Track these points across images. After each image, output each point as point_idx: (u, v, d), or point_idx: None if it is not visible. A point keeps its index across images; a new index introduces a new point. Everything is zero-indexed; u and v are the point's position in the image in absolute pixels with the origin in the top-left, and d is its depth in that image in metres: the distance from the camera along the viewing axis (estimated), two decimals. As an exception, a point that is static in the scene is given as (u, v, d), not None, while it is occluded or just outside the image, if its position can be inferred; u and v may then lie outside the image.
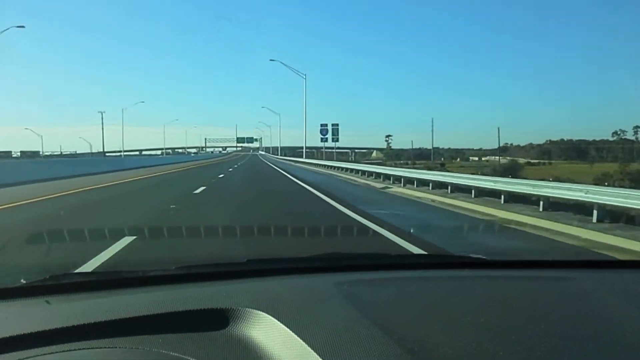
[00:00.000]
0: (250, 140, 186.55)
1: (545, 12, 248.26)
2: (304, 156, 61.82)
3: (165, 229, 5.92)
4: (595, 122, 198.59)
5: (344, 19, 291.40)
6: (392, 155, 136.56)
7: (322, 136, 58.35)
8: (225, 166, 42.84)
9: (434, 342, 1.09)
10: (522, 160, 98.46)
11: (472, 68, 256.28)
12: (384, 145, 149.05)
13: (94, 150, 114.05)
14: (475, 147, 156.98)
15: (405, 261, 2.08)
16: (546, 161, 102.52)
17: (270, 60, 68.87)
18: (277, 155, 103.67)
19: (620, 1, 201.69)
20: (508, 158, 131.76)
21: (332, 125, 60.45)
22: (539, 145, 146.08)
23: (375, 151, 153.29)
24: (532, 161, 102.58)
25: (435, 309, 1.35)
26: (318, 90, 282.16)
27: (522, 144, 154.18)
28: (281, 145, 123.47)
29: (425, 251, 5.80)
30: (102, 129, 70.46)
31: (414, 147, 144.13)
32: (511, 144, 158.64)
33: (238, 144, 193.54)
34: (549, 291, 1.56)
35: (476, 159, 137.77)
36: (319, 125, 59.26)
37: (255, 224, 7.32)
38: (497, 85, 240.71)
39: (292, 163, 57.86)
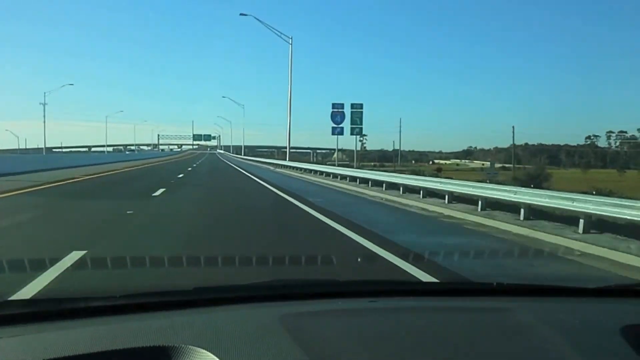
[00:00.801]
0: (208, 137, 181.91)
1: (511, 18, 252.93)
2: (288, 157, 45.50)
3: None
4: (564, 127, 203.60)
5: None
6: (352, 156, 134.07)
7: (336, 125, 36.24)
8: (149, 181, 23.62)
9: None
10: (485, 165, 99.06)
11: (435, 72, 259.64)
12: (346, 146, 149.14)
13: (29, 146, 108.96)
14: (436, 150, 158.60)
15: (352, 289, 2.07)
16: (521, 166, 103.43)
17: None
18: (241, 155, 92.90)
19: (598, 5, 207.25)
20: (478, 162, 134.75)
21: (354, 106, 36.19)
22: (505, 149, 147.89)
23: (337, 152, 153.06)
24: (505, 165, 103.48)
25: (378, 346, 1.38)
26: (271, 90, 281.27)
27: (485, 148, 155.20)
28: (240, 143, 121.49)
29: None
30: (44, 121, 66.05)
31: (376, 149, 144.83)
32: (475, 148, 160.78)
33: (195, 142, 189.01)
34: (487, 324, 1.60)
35: (444, 162, 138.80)
36: (330, 108, 36.57)
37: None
38: (460, 89, 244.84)
39: (263, 165, 50.83)
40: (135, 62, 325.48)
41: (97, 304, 1.60)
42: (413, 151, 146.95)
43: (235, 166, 48.28)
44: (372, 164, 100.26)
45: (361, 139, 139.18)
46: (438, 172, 48.10)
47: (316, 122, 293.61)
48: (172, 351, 1.28)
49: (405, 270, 6.02)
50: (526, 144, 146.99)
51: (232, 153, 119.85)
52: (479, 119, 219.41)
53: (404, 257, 6.42)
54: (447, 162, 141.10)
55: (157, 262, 5.46)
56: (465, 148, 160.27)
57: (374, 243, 7.81)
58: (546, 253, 8.19)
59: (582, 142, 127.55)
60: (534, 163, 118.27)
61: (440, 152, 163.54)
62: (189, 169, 36.10)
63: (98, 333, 1.39)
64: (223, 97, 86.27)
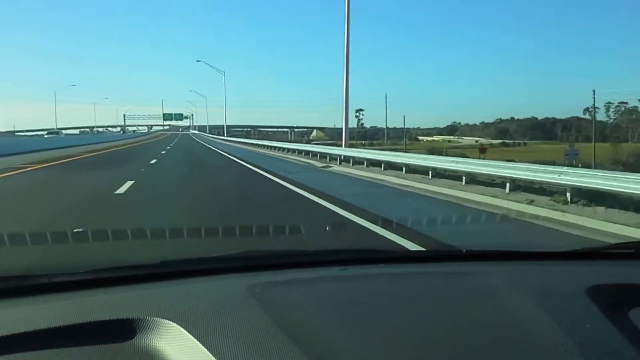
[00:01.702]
0: (180, 117, 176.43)
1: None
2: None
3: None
4: (554, 100, 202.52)
5: None
6: (335, 135, 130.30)
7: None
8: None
9: (342, 349, 1.18)
10: (483, 142, 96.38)
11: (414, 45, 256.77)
12: (324, 124, 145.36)
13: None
14: (414, 127, 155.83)
15: (323, 258, 2.08)
16: (520, 141, 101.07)
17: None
18: (223, 136, 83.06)
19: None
20: (467, 138, 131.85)
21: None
22: (492, 124, 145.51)
23: (315, 130, 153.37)
24: (493, 142, 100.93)
25: (348, 312, 1.43)
26: (251, 65, 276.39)
27: (470, 123, 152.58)
28: (216, 123, 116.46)
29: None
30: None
31: (352, 127, 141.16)
32: (459, 123, 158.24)
33: (165, 122, 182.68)
34: (454, 288, 1.67)
35: (429, 138, 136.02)
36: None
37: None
38: (443, 61, 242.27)
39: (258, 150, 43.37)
40: (83, 30, 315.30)
41: (60, 279, 1.60)
42: (395, 128, 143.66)
43: (224, 153, 36.58)
44: (362, 142, 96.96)
45: (358, 114, 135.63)
46: (482, 153, 43.99)
47: (295, 99, 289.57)
48: (137, 323, 1.29)
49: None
50: (512, 118, 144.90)
51: (209, 134, 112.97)
52: (460, 93, 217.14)
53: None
54: (436, 138, 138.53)
55: (122, 236, 5.43)
56: (450, 124, 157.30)
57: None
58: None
59: (576, 115, 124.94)
60: (530, 138, 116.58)
61: (418, 129, 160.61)
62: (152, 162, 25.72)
63: (60, 308, 1.42)
64: (198, 60, 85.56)
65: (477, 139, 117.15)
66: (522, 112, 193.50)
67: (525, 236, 7.85)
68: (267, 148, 40.95)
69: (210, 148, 44.27)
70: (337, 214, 9.34)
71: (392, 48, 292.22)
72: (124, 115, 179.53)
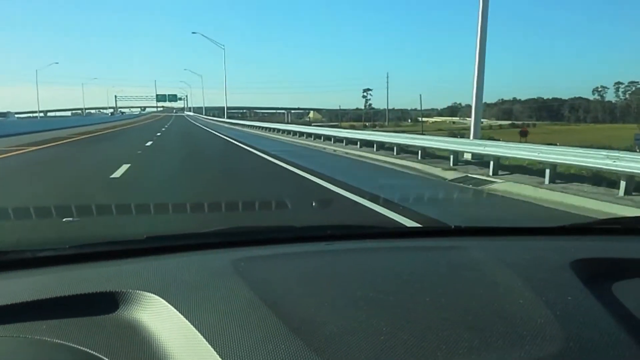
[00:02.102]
0: (174, 98, 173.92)
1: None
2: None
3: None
4: (559, 80, 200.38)
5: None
6: (333, 116, 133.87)
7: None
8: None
9: (321, 320, 1.20)
10: (488, 123, 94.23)
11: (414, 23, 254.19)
12: (319, 106, 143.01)
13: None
14: (411, 108, 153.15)
15: (309, 233, 2.12)
16: (530, 122, 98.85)
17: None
18: (223, 118, 76.53)
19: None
20: (469, 119, 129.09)
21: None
22: (495, 104, 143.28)
23: (312, 112, 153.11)
24: (502, 123, 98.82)
25: (330, 285, 1.46)
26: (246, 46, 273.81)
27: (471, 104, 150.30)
28: (208, 105, 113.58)
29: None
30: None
31: (357, 108, 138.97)
32: (460, 104, 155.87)
33: (159, 104, 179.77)
34: (440, 261, 1.70)
35: (431, 120, 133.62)
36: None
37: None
38: (440, 40, 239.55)
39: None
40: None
41: (44, 254, 1.63)
42: (394, 109, 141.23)
43: (233, 140, 30.51)
44: (365, 124, 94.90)
45: (365, 94, 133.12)
46: (523, 136, 38.45)
47: (291, 79, 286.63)
48: (120, 296, 1.31)
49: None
50: (514, 98, 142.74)
51: (206, 115, 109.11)
52: (459, 73, 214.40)
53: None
54: (438, 119, 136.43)
55: (107, 211, 5.51)
56: (450, 104, 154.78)
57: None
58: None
59: (580, 96, 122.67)
60: (536, 119, 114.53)
61: (416, 110, 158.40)
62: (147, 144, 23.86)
63: (43, 282, 1.44)
64: (193, 32, 73.33)
65: (482, 120, 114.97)
66: (523, 93, 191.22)
67: None
68: (285, 133, 36.54)
69: (218, 136, 36.54)
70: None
71: (390, 27, 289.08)
72: (115, 97, 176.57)
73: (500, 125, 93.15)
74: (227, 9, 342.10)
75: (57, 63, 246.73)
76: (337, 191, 9.78)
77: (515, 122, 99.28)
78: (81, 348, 1.14)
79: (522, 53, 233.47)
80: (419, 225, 3.58)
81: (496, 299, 1.34)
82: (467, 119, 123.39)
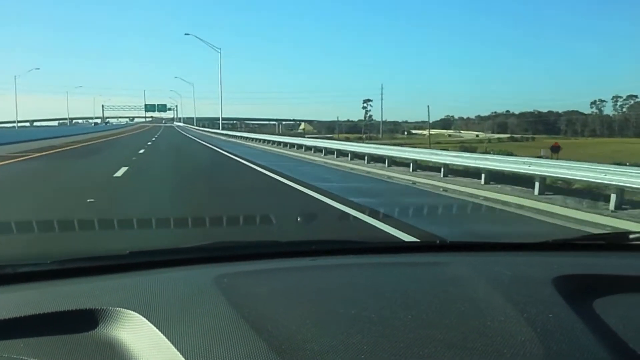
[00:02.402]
0: (163, 108, 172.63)
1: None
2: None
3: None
4: (550, 94, 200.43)
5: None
6: (323, 129, 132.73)
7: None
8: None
9: (303, 338, 1.20)
10: (485, 136, 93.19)
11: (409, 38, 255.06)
12: (310, 117, 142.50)
13: None
14: (401, 120, 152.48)
15: (294, 249, 2.16)
16: (529, 136, 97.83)
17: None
18: (217, 129, 72.45)
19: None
20: (464, 132, 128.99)
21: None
22: (489, 117, 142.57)
23: (303, 123, 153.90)
24: (501, 137, 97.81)
25: (313, 301, 1.46)
26: (239, 58, 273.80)
27: (464, 117, 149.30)
28: (197, 115, 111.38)
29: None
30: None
31: (348, 120, 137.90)
32: (452, 116, 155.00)
33: (147, 114, 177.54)
34: (423, 277, 1.73)
35: (424, 132, 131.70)
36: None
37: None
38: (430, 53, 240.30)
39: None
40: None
41: (25, 269, 1.63)
42: (385, 121, 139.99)
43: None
44: (360, 136, 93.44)
45: (365, 105, 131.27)
46: (555, 152, 34.99)
47: (280, 91, 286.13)
48: (99, 314, 1.31)
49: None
50: (507, 111, 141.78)
51: (197, 126, 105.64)
52: (450, 86, 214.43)
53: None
54: (430, 133, 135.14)
55: (89, 226, 5.57)
56: (442, 117, 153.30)
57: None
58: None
59: (581, 109, 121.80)
60: (532, 132, 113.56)
61: (407, 122, 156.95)
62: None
63: (22, 299, 1.44)
64: (186, 34, 72.63)
65: (477, 133, 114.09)
66: (516, 106, 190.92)
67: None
68: (290, 147, 33.85)
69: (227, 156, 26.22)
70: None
71: (386, 38, 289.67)
72: (102, 106, 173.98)
73: (498, 138, 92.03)
74: (221, 13, 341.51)
75: (38, 69, 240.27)
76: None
77: (514, 135, 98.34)
78: None
79: (515, 64, 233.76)
80: (405, 240, 3.71)
81: (478, 316, 1.34)
82: (463, 131, 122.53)
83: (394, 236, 6.52)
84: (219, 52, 67.16)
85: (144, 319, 1.26)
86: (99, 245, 4.79)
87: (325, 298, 1.49)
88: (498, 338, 1.21)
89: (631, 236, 2.15)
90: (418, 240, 3.27)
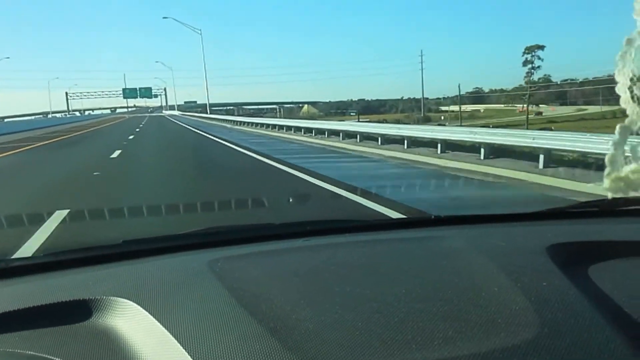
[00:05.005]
0: (148, 93, 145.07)
1: None
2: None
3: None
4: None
5: None
6: (328, 109, 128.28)
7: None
8: None
9: (298, 317, 1.26)
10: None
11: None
12: (312, 99, 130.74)
13: None
14: (427, 97, 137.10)
15: (287, 230, 2.22)
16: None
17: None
18: (232, 115, 68.70)
19: None
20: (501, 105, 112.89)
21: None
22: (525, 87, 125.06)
23: (306, 105, 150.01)
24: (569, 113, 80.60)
25: (307, 281, 1.53)
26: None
27: (496, 88, 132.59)
28: (191, 101, 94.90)
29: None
30: None
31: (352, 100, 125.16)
32: (481, 89, 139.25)
33: (130, 101, 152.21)
34: (417, 252, 1.81)
35: (450, 109, 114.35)
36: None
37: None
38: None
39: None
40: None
41: (18, 263, 1.72)
42: (402, 99, 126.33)
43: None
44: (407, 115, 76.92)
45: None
46: None
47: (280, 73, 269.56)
48: (93, 304, 1.37)
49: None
50: (547, 77, 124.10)
51: (199, 113, 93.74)
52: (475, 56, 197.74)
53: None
54: (464, 109, 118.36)
55: (80, 217, 5.90)
56: (471, 90, 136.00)
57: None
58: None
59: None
60: (583, 102, 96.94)
61: (427, 99, 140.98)
62: None
63: (17, 292, 1.51)
64: (164, 17, 70.91)
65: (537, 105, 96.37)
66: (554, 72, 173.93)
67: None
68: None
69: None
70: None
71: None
72: (66, 94, 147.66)
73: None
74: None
75: (8, 58, 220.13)
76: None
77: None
78: (54, 358, 1.20)
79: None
80: (398, 217, 3.97)
81: (472, 287, 1.41)
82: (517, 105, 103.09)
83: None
84: (199, 33, 70.76)
85: (138, 307, 1.32)
86: (91, 236, 5.05)
87: (320, 277, 1.55)
88: (492, 308, 1.28)
89: (625, 202, 2.15)
90: (412, 216, 3.45)
